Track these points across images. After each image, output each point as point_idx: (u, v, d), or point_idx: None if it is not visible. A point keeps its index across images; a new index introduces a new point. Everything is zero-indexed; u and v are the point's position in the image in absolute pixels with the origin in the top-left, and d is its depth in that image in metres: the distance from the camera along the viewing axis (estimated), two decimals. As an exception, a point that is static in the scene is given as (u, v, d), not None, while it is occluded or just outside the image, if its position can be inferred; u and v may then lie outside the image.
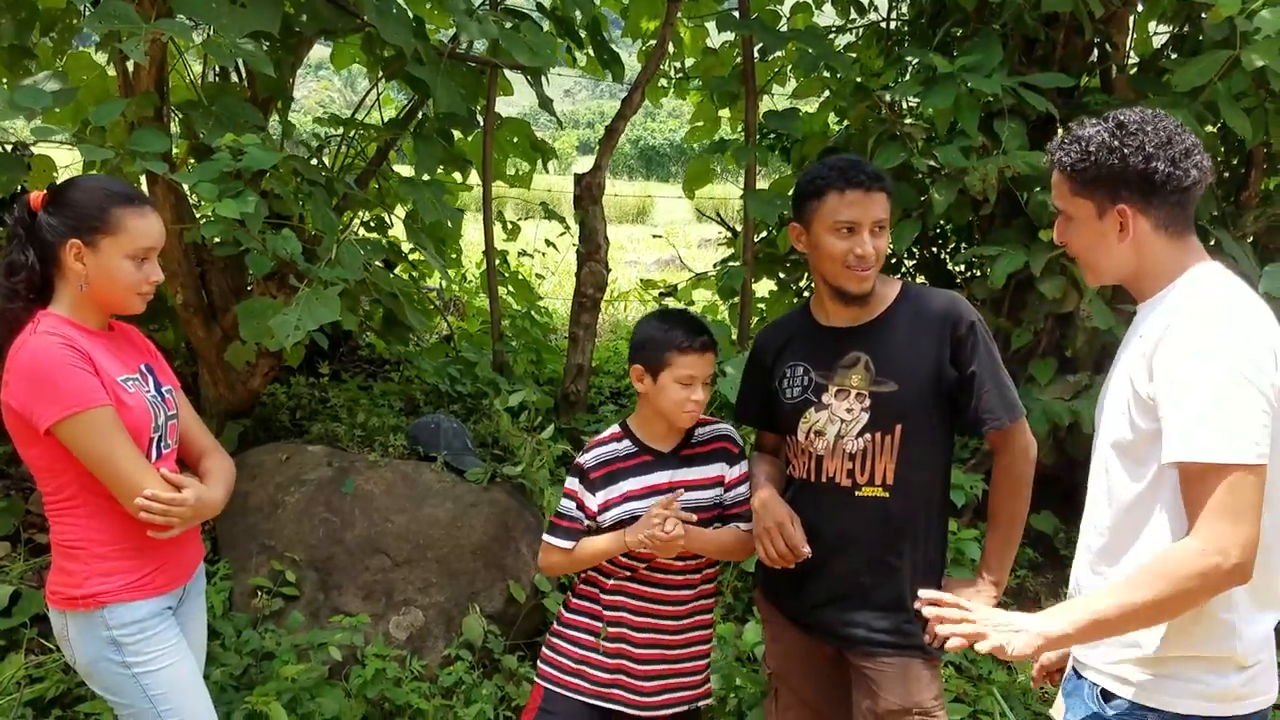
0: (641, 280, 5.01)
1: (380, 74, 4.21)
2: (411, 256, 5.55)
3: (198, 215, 3.80)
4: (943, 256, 5.26)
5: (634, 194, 19.65)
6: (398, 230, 4.73)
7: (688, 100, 5.36)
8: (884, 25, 5.54)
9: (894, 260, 5.27)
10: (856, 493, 2.41)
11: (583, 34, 4.59)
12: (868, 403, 2.40)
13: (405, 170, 5.03)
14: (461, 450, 3.94)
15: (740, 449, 2.64)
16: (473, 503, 3.75)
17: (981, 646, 1.88)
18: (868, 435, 2.39)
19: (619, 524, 2.50)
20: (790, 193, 3.52)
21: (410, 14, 4.21)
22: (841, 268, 2.36)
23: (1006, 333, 4.64)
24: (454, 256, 5.00)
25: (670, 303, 4.96)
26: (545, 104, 4.25)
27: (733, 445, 2.62)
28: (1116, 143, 1.85)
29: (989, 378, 2.37)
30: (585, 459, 2.57)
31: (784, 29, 4.76)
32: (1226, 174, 5.25)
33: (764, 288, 5.50)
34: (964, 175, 4.30)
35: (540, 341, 4.79)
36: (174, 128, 3.86)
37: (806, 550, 2.38)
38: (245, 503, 3.71)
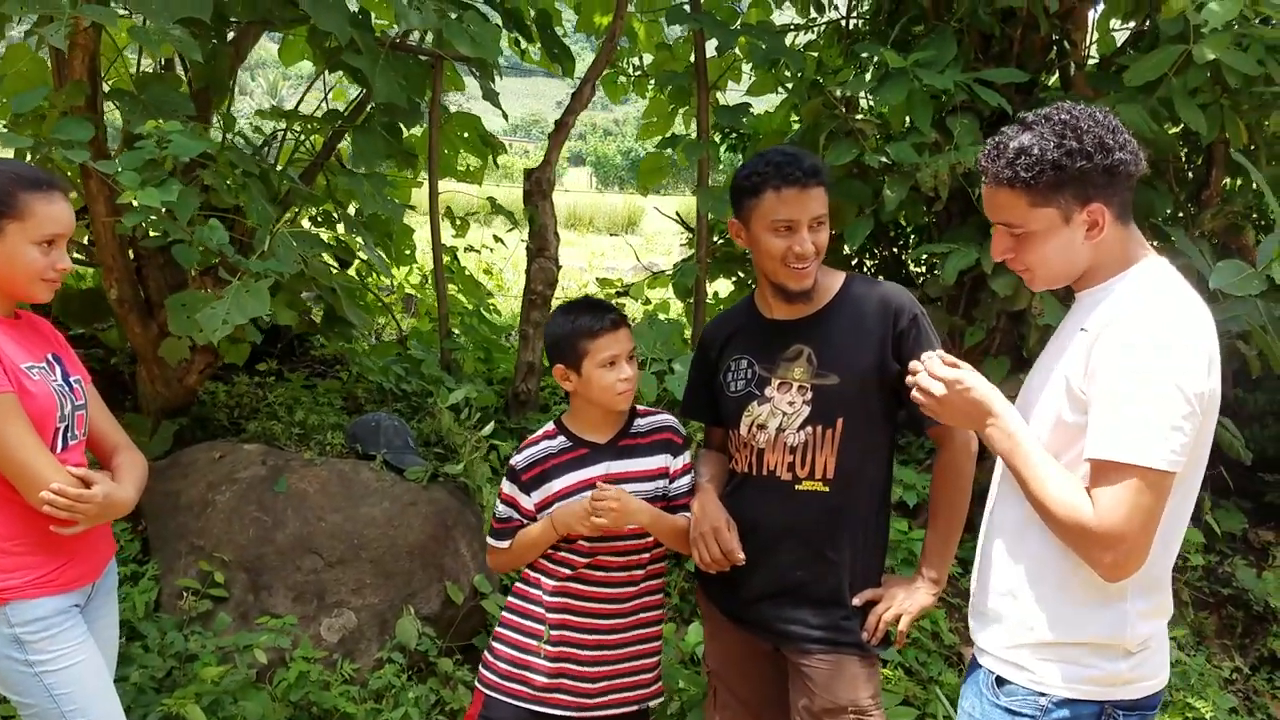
0: (598, 279, 4.94)
1: (324, 67, 4.12)
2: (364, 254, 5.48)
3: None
4: (902, 255, 5.21)
5: (620, 204, 19.61)
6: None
7: (660, 99, 5.28)
8: (844, 24, 5.51)
9: (852, 259, 5.22)
10: (797, 486, 2.39)
11: (532, 27, 4.52)
12: (809, 395, 2.37)
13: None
14: (402, 449, 3.86)
15: (684, 439, 2.60)
16: (411, 502, 3.67)
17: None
18: (809, 428, 2.36)
19: None
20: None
21: (352, 4, 4.16)
22: (781, 265, 2.33)
23: (960, 331, 4.59)
24: (407, 253, 4.91)
25: (622, 302, 4.89)
26: (490, 96, 4.18)
27: (676, 436, 2.57)
28: (1075, 143, 1.78)
29: None
30: (516, 459, 2.53)
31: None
32: (1190, 173, 5.23)
33: (726, 286, 5.45)
34: (916, 172, 4.26)
35: (491, 339, 4.71)
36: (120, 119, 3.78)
37: (740, 556, 2.37)
38: (176, 502, 3.62)
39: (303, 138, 4.45)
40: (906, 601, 2.42)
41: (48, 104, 3.47)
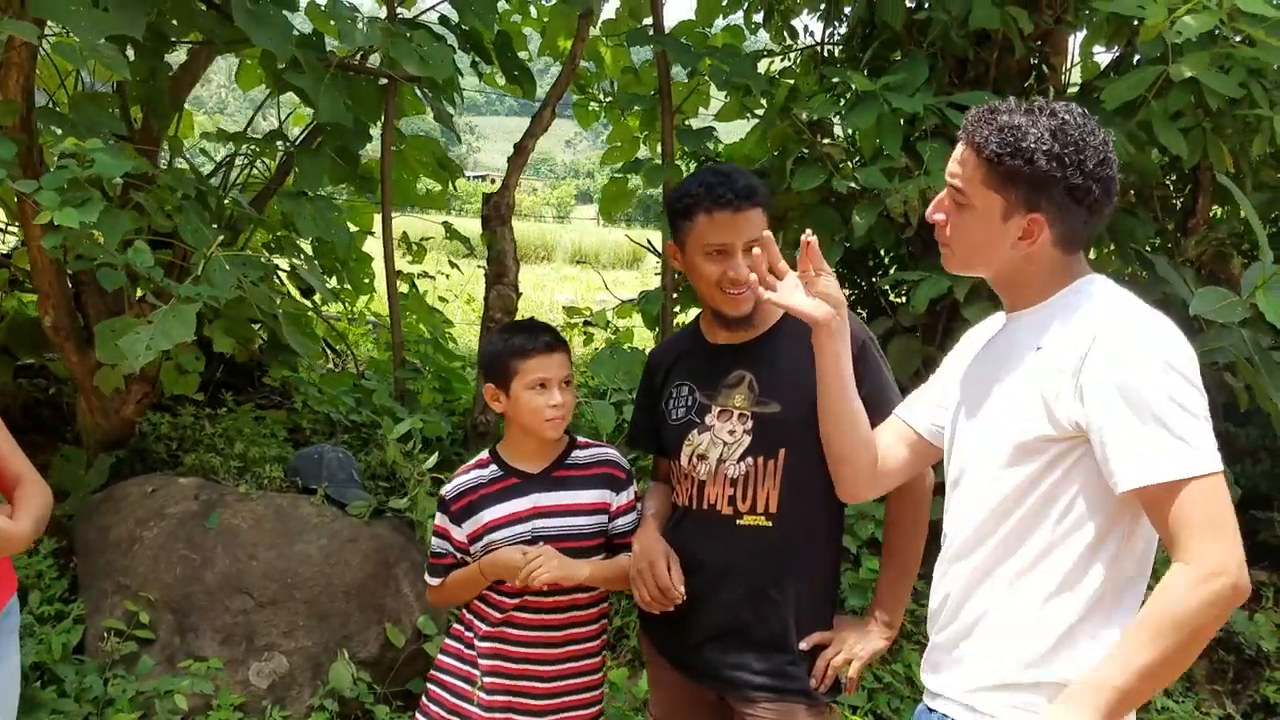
0: (564, 308, 4.79)
1: (275, 88, 4.01)
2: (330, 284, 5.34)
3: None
4: (876, 282, 5.06)
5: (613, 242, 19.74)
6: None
7: (625, 123, 5.16)
8: (819, 50, 5.40)
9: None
10: (738, 521, 2.21)
11: (490, 49, 4.40)
12: (750, 424, 2.21)
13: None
14: (346, 482, 3.70)
15: (627, 474, 2.43)
16: (351, 538, 3.50)
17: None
18: (750, 459, 2.20)
19: (488, 555, 2.29)
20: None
21: (306, 25, 4.05)
22: (716, 291, 2.19)
23: (934, 360, 4.42)
24: (366, 280, 4.77)
25: (591, 331, 4.74)
26: (442, 118, 4.05)
27: (618, 470, 2.40)
28: (1058, 148, 1.64)
29: (878, 403, 2.16)
30: (446, 490, 2.37)
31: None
32: (1177, 200, 5.09)
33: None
34: (886, 198, 4.12)
35: (449, 369, 4.56)
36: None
37: (678, 593, 2.19)
38: (105, 538, 3.46)
39: (256, 161, 4.33)
40: (858, 646, 2.25)
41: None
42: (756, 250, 2.07)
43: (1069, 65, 4.96)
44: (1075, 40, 5.02)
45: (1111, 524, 1.64)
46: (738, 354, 2.28)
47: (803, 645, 2.24)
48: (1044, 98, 1.78)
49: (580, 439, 2.44)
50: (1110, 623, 1.65)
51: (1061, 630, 1.66)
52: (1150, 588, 1.63)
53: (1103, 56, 5.09)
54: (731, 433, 2.23)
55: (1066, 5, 4.55)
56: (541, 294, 12.67)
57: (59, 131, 3.13)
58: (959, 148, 1.76)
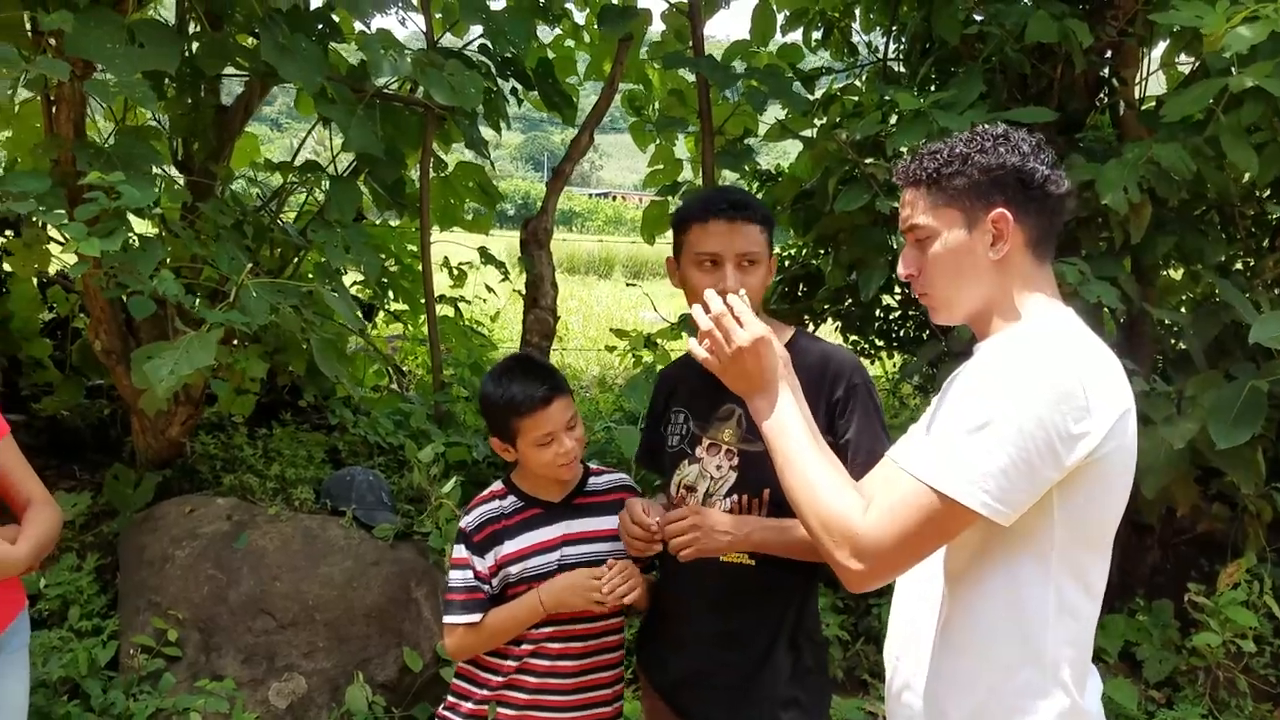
0: (612, 329, 4.77)
1: (318, 117, 4.11)
2: (392, 307, 5.45)
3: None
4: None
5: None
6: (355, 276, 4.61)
7: (665, 146, 5.14)
8: (884, 66, 5.27)
9: (878, 310, 4.94)
10: (721, 558, 2.15)
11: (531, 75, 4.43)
12: (736, 461, 2.16)
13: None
14: (375, 505, 3.75)
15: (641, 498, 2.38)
16: (374, 561, 3.54)
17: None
18: (734, 497, 2.15)
19: (513, 588, 2.25)
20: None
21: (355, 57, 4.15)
22: None
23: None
24: (422, 301, 4.84)
25: (643, 353, 4.70)
26: (474, 145, 4.09)
27: (634, 495, 2.36)
28: (989, 144, 1.63)
29: (864, 447, 2.09)
30: (466, 521, 2.30)
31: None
32: (1252, 217, 4.78)
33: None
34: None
35: (489, 392, 4.57)
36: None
37: (652, 521, 2.11)
38: (142, 556, 3.58)
39: (311, 189, 4.44)
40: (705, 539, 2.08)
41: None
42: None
43: (1143, 77, 4.71)
44: (1155, 52, 4.79)
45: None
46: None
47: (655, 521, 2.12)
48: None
49: (593, 466, 2.40)
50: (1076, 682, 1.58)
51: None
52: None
53: (1187, 68, 4.85)
54: (719, 468, 2.18)
55: (1133, 17, 4.33)
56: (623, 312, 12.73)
57: (98, 165, 3.25)
58: (903, 197, 1.71)
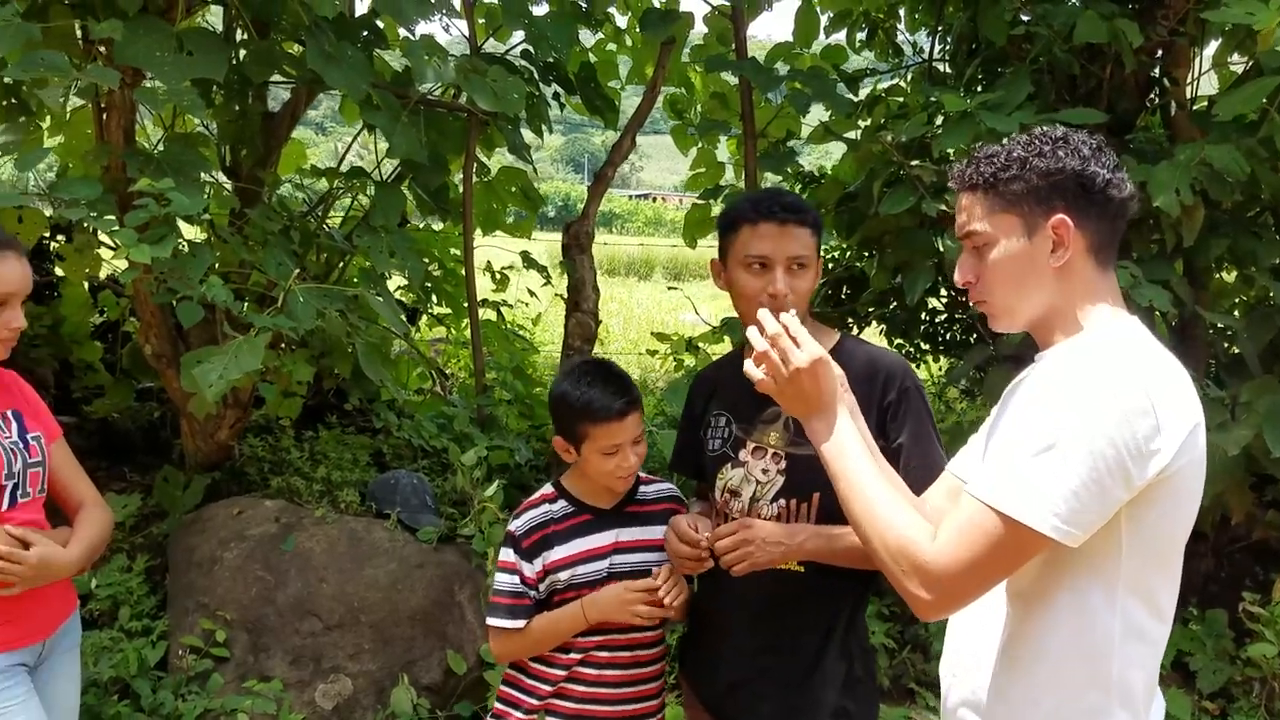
0: (653, 333, 4.77)
1: (362, 124, 4.15)
2: (435, 310, 5.49)
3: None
4: (973, 308, 4.84)
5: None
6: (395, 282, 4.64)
7: (706, 149, 5.13)
8: (929, 67, 5.22)
9: (923, 313, 4.89)
10: None
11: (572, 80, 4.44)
12: (783, 465, 2.14)
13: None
14: (419, 508, 3.77)
15: (687, 509, 2.38)
16: (419, 564, 3.57)
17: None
18: (782, 501, 2.12)
19: (560, 594, 2.25)
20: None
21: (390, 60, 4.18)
22: (755, 308, 2.06)
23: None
24: (465, 305, 4.87)
25: (684, 356, 4.69)
26: (516, 150, 4.10)
27: (681, 506, 2.36)
28: (1047, 147, 1.58)
29: (917, 453, 2.07)
30: (516, 525, 2.29)
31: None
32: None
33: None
34: (980, 220, 3.93)
35: (530, 395, 4.60)
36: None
37: (701, 538, 2.09)
38: (191, 558, 3.63)
39: (356, 194, 4.48)
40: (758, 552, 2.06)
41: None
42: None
43: (1195, 77, 4.63)
44: (1204, 51, 4.70)
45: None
46: None
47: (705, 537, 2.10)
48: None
49: (642, 474, 2.38)
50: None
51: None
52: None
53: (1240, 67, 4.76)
54: (765, 471, 2.16)
55: (1184, 16, 4.26)
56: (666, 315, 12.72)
57: (147, 172, 3.30)
58: (959, 202, 1.68)
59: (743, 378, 2.26)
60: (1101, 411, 1.40)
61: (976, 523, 1.45)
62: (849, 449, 1.65)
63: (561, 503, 2.30)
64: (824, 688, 2.15)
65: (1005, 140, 1.65)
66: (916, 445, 2.07)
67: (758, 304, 2.06)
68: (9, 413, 2.40)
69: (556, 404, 2.26)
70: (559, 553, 2.24)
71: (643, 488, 2.35)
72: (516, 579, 2.25)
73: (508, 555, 2.28)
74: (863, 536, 1.59)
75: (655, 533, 2.28)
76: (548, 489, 2.35)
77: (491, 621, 2.27)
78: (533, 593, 2.25)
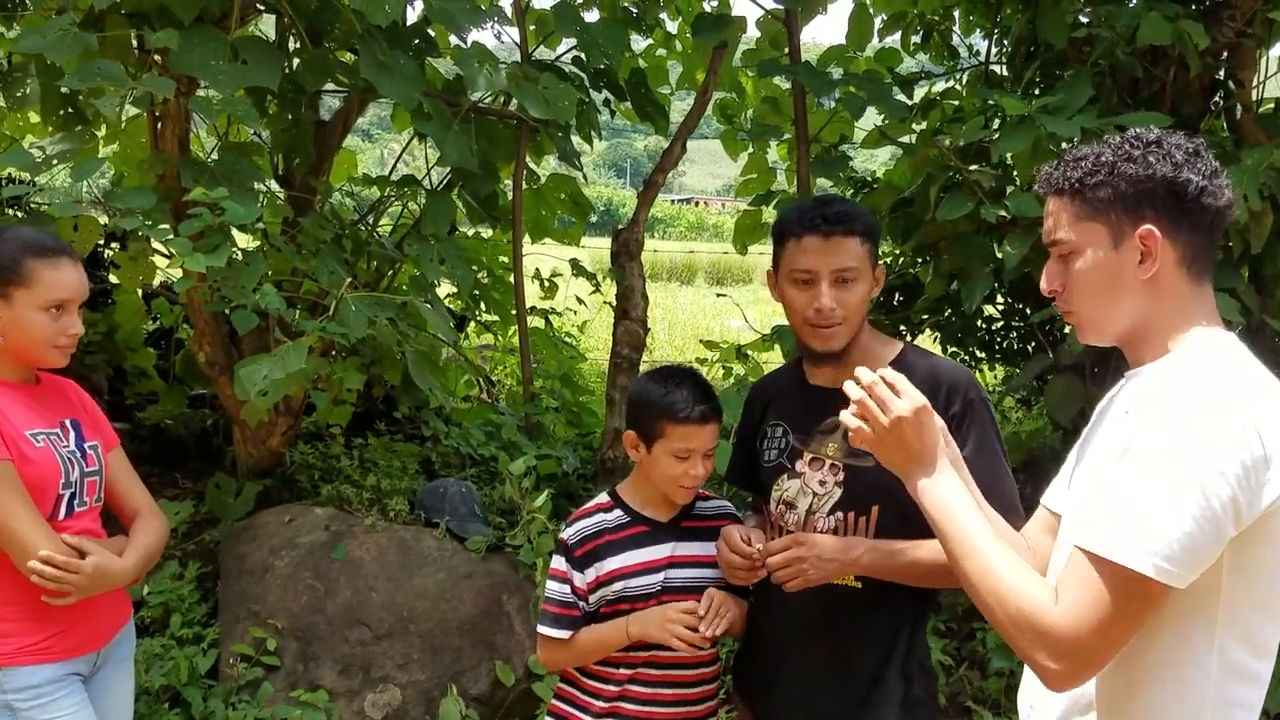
0: (702, 341, 4.72)
1: (412, 132, 4.14)
2: (483, 318, 5.48)
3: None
4: (1031, 316, 4.73)
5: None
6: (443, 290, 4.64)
7: (758, 155, 5.07)
8: (985, 70, 5.13)
9: (979, 321, 4.79)
10: None
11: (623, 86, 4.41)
12: (841, 476, 2.09)
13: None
14: (467, 516, 3.75)
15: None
16: (467, 574, 3.54)
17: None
18: (839, 514, 2.08)
19: (611, 606, 2.21)
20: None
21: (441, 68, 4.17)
22: (803, 323, 2.09)
23: (1094, 402, 4.08)
24: (513, 313, 4.86)
25: (732, 365, 4.64)
26: (567, 157, 4.07)
27: (738, 524, 2.28)
28: (1138, 152, 1.50)
29: (982, 467, 1.97)
30: (568, 534, 2.26)
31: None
32: None
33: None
34: (1040, 226, 3.84)
35: (578, 403, 4.57)
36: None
37: (753, 550, 2.04)
38: (242, 565, 3.64)
39: (407, 203, 4.49)
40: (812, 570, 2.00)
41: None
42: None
43: (1262, 79, 4.50)
44: (1270, 52, 4.57)
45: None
46: (836, 399, 2.08)
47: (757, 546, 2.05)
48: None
49: (701, 490, 2.32)
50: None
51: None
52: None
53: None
54: (822, 483, 2.11)
55: (1251, 17, 4.14)
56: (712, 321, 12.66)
57: (201, 181, 3.32)
58: (1046, 207, 1.61)
59: (799, 388, 2.23)
60: (1208, 445, 1.33)
61: (1095, 580, 1.37)
62: (957, 505, 1.58)
63: (617, 512, 2.26)
64: (883, 707, 2.09)
65: (1098, 141, 1.57)
66: (981, 460, 2.00)
67: (805, 319, 2.07)
68: (67, 422, 2.41)
69: (638, 398, 2.24)
70: (612, 563, 2.20)
71: (700, 503, 2.31)
72: (567, 588, 2.22)
73: (559, 563, 2.25)
74: (979, 601, 1.51)
75: (711, 549, 2.23)
76: (603, 498, 2.31)
77: (539, 629, 2.25)
78: (582, 603, 2.22)
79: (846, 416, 1.69)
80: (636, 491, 2.27)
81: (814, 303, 2.04)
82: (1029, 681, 1.69)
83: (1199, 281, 1.52)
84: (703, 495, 2.32)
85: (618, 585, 2.19)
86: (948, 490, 1.60)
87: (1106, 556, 1.35)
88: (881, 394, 1.63)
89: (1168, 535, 1.32)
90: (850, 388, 1.69)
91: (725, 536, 2.11)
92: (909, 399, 1.63)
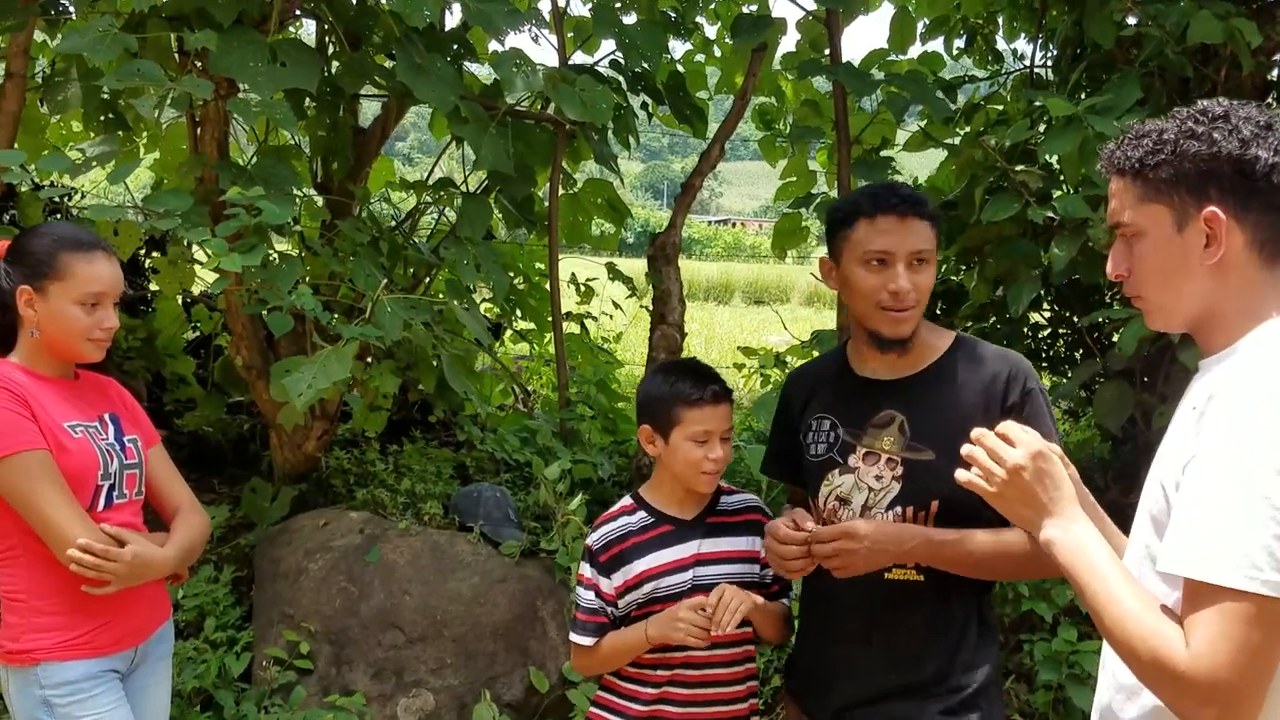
0: (739, 348, 4.66)
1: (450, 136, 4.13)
2: (519, 325, 5.46)
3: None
4: (1079, 321, 4.62)
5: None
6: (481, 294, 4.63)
7: (797, 158, 5.02)
8: (1030, 73, 5.04)
9: (1025, 327, 4.69)
10: (886, 574, 2.01)
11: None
12: (900, 470, 2.03)
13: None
14: (502, 521, 3.71)
15: (770, 519, 2.27)
16: (501, 578, 3.50)
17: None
18: (899, 509, 2.01)
19: (643, 608, 2.17)
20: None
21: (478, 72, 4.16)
22: (874, 307, 2.01)
23: (1149, 410, 3.97)
24: (549, 319, 4.83)
25: (771, 371, 4.58)
26: (603, 160, 4.05)
27: (765, 517, 2.27)
28: (1202, 128, 1.41)
29: None
30: (593, 539, 2.24)
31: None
32: None
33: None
34: (1088, 228, 3.75)
35: (613, 409, 4.52)
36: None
37: (809, 527, 1.98)
38: (277, 568, 3.62)
39: (445, 207, 4.48)
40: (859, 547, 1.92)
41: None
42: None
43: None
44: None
45: None
46: (888, 390, 2.08)
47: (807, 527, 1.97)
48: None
49: (724, 485, 2.30)
50: None
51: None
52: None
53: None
54: (879, 478, 2.04)
55: (1305, 14, 4.03)
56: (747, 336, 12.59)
57: (238, 183, 3.32)
58: (1110, 187, 1.53)
59: (845, 378, 2.17)
60: (1271, 447, 1.24)
61: (1219, 611, 1.26)
62: (1095, 558, 1.45)
63: (641, 514, 2.22)
64: (949, 707, 2.01)
65: (1168, 118, 1.48)
66: None
67: (876, 302, 1.99)
68: (106, 416, 2.40)
69: (647, 393, 2.23)
70: (639, 566, 2.17)
71: (724, 498, 2.27)
72: (593, 595, 2.20)
73: (586, 570, 2.23)
74: (1118, 649, 1.40)
75: (738, 544, 2.21)
76: (626, 501, 2.28)
77: (571, 636, 2.24)
78: (610, 609, 2.19)
79: (963, 475, 1.60)
80: (659, 492, 2.24)
81: (888, 284, 1.97)
82: (1105, 692, 1.58)
83: (1272, 265, 1.42)
84: (726, 489, 2.29)
85: (647, 587, 2.15)
86: (1082, 540, 1.48)
87: (1229, 585, 1.25)
88: (991, 444, 1.55)
89: (1258, 547, 1.22)
90: (966, 448, 1.61)
91: (771, 531, 2.04)
92: (1024, 446, 1.53)
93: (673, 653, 2.14)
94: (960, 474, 1.60)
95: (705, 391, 2.13)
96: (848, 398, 2.13)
